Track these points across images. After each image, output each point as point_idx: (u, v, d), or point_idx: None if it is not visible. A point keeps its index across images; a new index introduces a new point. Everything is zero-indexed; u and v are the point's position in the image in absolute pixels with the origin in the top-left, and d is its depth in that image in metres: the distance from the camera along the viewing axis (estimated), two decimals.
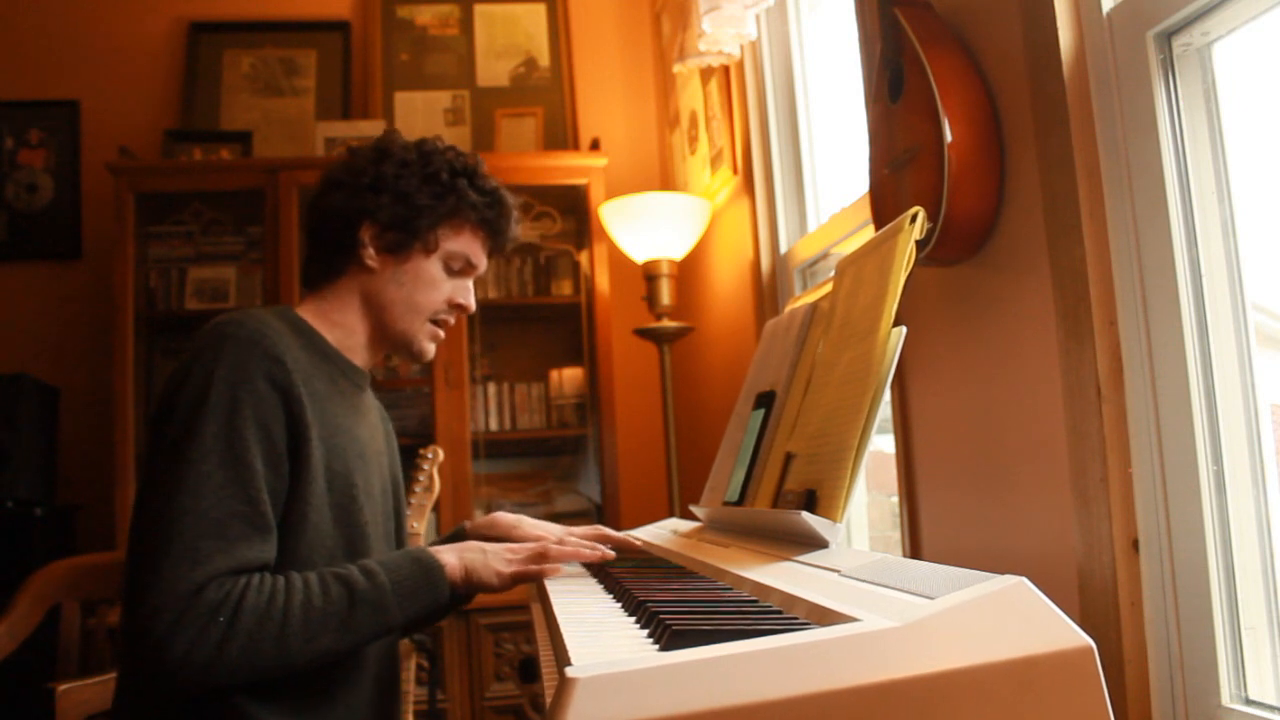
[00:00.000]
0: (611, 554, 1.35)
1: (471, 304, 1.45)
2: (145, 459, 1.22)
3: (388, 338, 1.41)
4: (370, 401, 1.47)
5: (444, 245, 1.40)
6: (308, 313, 1.38)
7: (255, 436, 1.17)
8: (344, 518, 1.29)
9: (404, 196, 1.37)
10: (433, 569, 1.24)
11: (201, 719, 1.19)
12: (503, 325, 3.36)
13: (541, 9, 3.62)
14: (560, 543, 1.34)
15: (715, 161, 2.82)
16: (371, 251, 1.37)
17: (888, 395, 0.99)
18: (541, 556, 1.29)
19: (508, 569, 1.28)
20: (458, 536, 1.52)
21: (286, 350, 1.24)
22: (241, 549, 1.13)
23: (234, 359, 1.19)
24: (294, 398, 1.22)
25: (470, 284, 1.46)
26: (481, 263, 1.45)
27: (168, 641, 1.07)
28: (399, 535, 1.50)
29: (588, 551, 1.32)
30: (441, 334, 1.45)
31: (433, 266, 1.40)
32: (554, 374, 3.26)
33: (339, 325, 1.39)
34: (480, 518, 1.54)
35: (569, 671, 0.57)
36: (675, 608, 0.84)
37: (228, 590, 1.10)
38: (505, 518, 1.51)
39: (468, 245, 1.42)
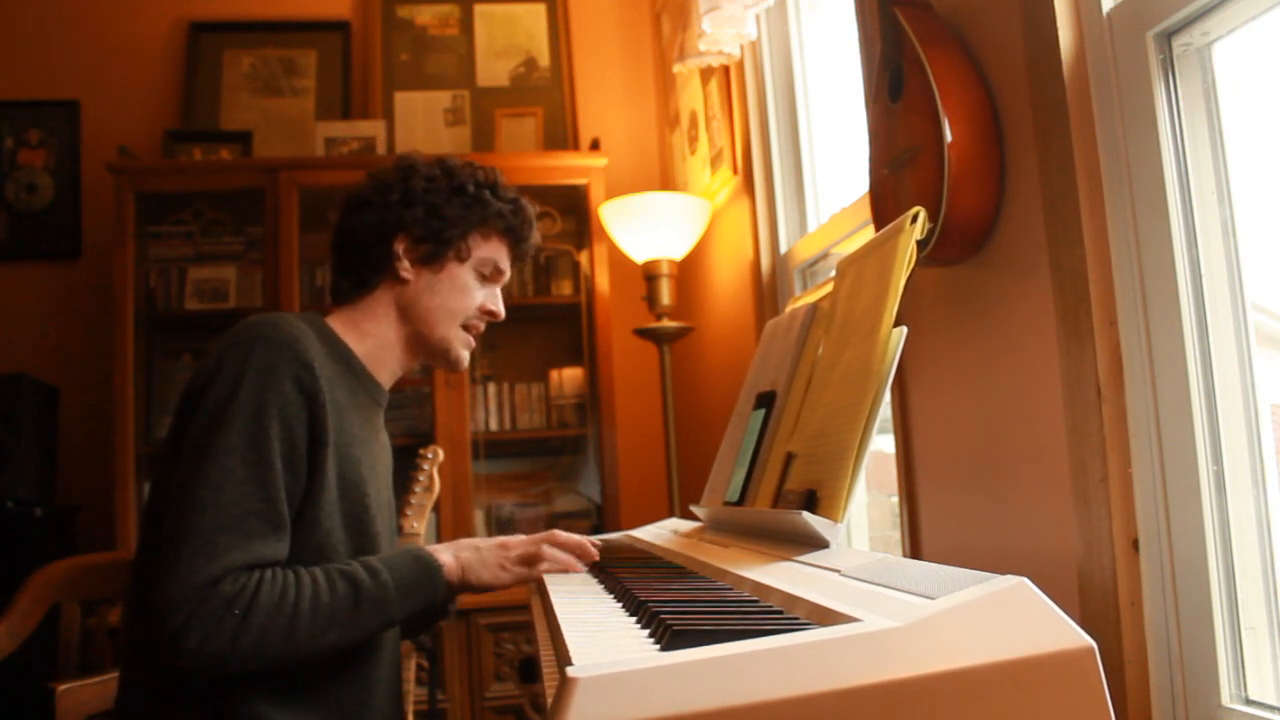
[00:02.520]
0: (594, 554, 1.40)
1: (501, 310, 1.50)
2: (167, 448, 1.24)
3: (425, 346, 1.45)
4: (381, 422, 1.50)
5: (475, 253, 1.45)
6: (337, 324, 1.41)
7: (279, 437, 1.20)
8: (356, 525, 1.31)
9: (435, 209, 1.42)
10: (432, 568, 1.28)
11: (205, 715, 1.20)
12: (503, 325, 3.30)
13: (541, 9, 3.62)
14: (551, 536, 1.39)
15: (715, 161, 2.82)
16: (406, 263, 1.41)
17: (888, 395, 0.99)
18: (535, 558, 1.35)
19: (506, 573, 1.34)
20: None
21: (315, 357, 1.26)
22: (257, 546, 1.16)
23: (265, 360, 1.22)
24: (319, 404, 1.24)
25: (499, 291, 1.51)
26: (508, 268, 1.51)
27: (183, 632, 1.09)
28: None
29: (578, 565, 1.36)
30: (473, 341, 1.49)
31: (465, 274, 1.45)
32: (554, 374, 3.26)
33: (370, 336, 1.42)
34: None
35: (570, 671, 0.57)
36: (676, 608, 0.84)
37: (243, 584, 1.13)
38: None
39: (496, 251, 1.48)
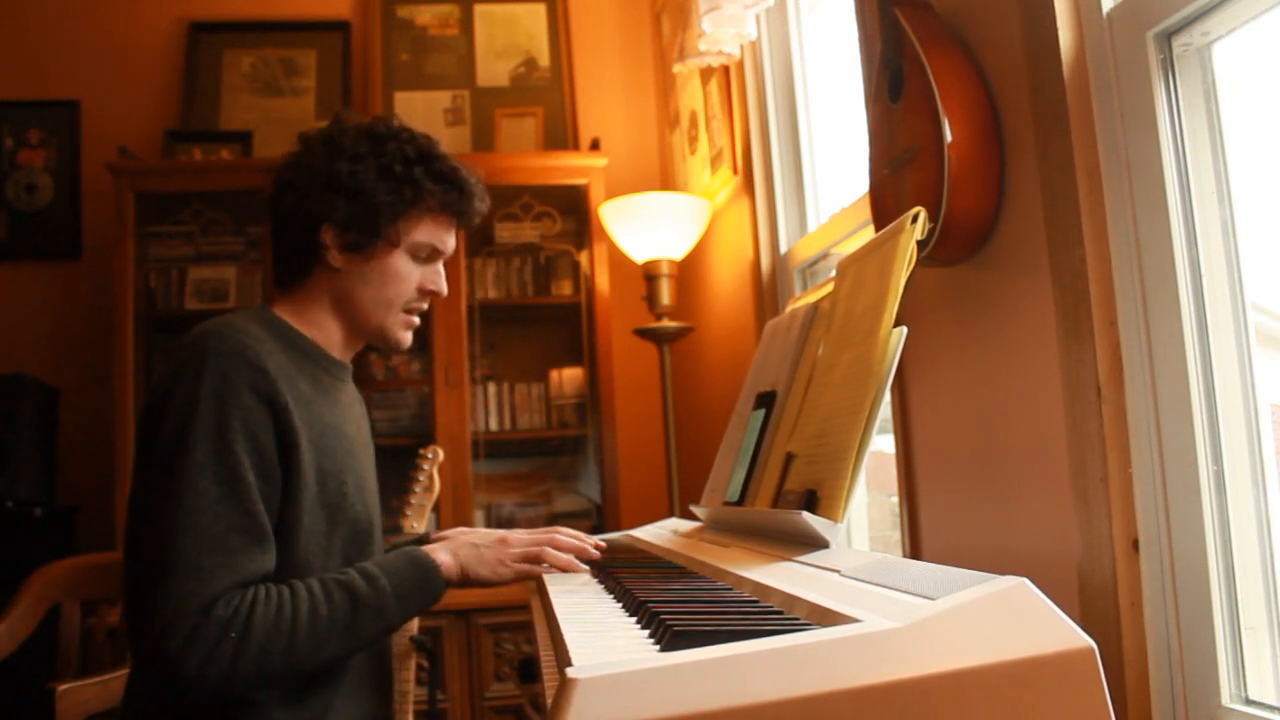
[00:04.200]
0: (601, 544, 1.38)
1: (443, 288, 1.43)
2: (135, 476, 1.22)
3: (363, 333, 1.41)
4: (351, 392, 1.48)
5: (407, 237, 1.37)
6: (285, 312, 1.38)
7: (245, 449, 1.18)
8: (335, 516, 1.30)
9: (360, 195, 1.33)
10: (430, 569, 1.27)
11: (196, 705, 1.20)
12: (503, 325, 3.36)
13: (541, 9, 3.62)
14: (552, 540, 1.37)
15: (715, 161, 2.82)
16: (335, 252, 1.36)
17: (888, 395, 0.99)
18: (536, 557, 1.33)
19: (506, 569, 1.32)
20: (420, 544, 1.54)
21: (269, 357, 1.24)
22: (244, 562, 1.15)
23: (218, 373, 1.19)
24: (280, 406, 1.22)
25: (440, 267, 1.44)
26: (449, 246, 1.43)
27: (181, 660, 1.08)
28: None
29: (579, 564, 1.34)
30: (416, 321, 1.44)
31: (399, 260, 1.38)
32: (554, 374, 3.26)
33: (313, 324, 1.39)
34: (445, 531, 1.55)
35: (570, 672, 0.57)
36: (676, 608, 0.84)
37: (236, 606, 1.12)
38: (455, 530, 1.52)
39: (431, 233, 1.40)
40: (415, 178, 1.36)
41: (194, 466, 1.15)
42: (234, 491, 1.16)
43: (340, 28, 3.54)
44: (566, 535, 1.39)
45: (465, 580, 1.31)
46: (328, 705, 1.29)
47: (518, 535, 1.37)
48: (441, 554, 1.29)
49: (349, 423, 1.40)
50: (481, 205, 1.45)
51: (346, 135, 1.37)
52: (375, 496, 1.46)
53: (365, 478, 1.41)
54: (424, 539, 1.55)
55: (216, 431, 1.17)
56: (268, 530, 1.19)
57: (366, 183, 1.34)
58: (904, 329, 1.00)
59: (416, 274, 1.40)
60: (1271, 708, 1.04)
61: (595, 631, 0.84)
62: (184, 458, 1.15)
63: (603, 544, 1.41)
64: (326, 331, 1.40)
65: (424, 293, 1.42)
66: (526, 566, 1.32)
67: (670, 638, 0.72)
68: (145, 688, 1.24)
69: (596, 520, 3.16)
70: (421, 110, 3.49)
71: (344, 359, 1.43)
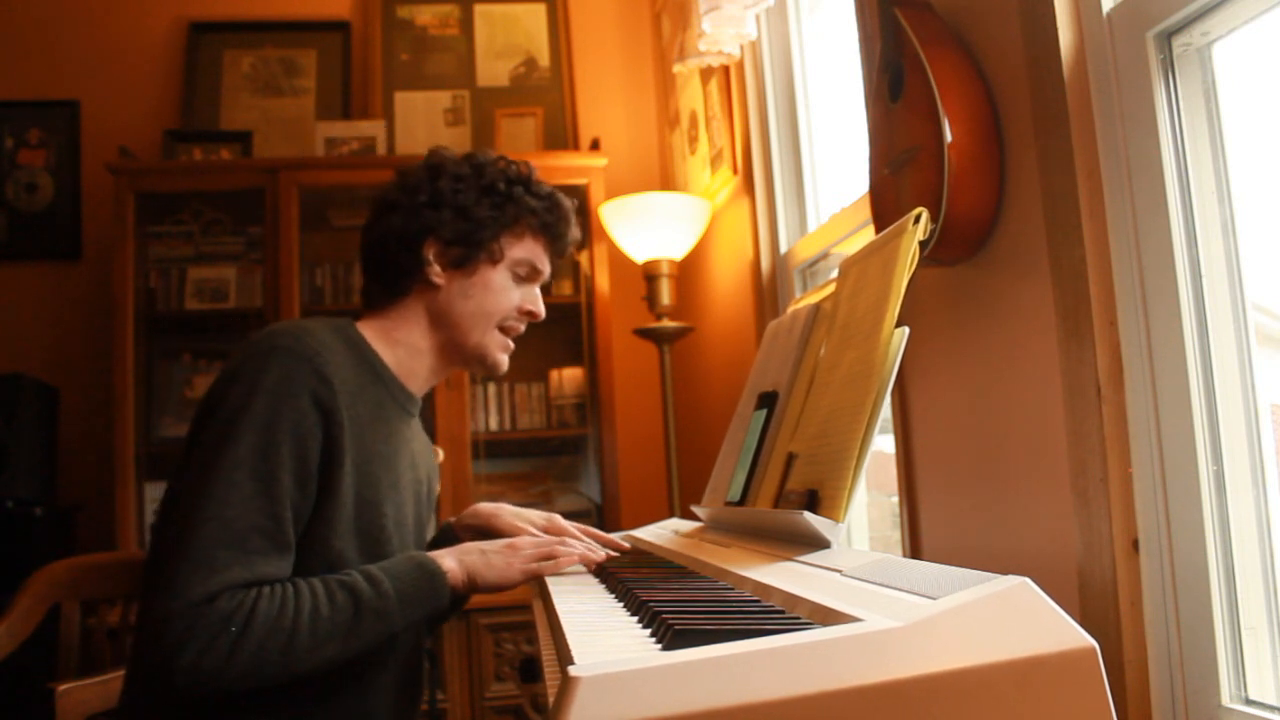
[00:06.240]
0: (613, 553, 1.37)
1: (541, 310, 1.46)
2: (180, 457, 1.21)
3: (460, 353, 1.41)
4: (417, 429, 1.46)
5: (509, 253, 1.41)
6: (369, 331, 1.37)
7: (289, 453, 1.17)
8: (369, 547, 1.28)
9: (464, 210, 1.37)
10: (435, 575, 1.25)
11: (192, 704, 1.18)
12: None
13: (541, 9, 3.62)
14: (562, 540, 1.36)
15: (715, 161, 2.82)
16: (437, 268, 1.38)
17: (889, 395, 0.99)
18: (549, 555, 1.31)
19: (513, 572, 1.29)
20: (445, 534, 1.53)
21: (336, 371, 1.23)
22: (258, 563, 1.13)
23: (282, 373, 1.18)
24: (335, 421, 1.21)
25: (538, 291, 1.47)
26: (546, 268, 1.47)
27: (178, 649, 1.07)
28: None
29: (593, 555, 1.33)
30: (511, 344, 1.45)
31: (500, 276, 1.41)
32: (554, 374, 3.26)
33: (402, 344, 1.38)
34: (465, 511, 1.55)
35: (572, 670, 0.57)
36: (677, 607, 0.84)
37: (240, 600, 1.11)
38: (484, 508, 1.52)
39: (531, 251, 1.43)
40: (516, 196, 1.40)
41: (234, 458, 1.14)
42: (268, 491, 1.14)
43: (340, 28, 3.54)
44: (574, 533, 1.38)
45: (472, 586, 1.28)
46: None
47: (524, 539, 1.35)
48: (447, 560, 1.27)
49: (402, 457, 1.37)
50: (576, 232, 1.49)
51: (447, 161, 1.42)
52: (417, 537, 1.44)
53: (407, 515, 1.38)
54: (447, 529, 1.54)
55: (265, 429, 1.16)
56: (290, 540, 1.17)
57: (469, 199, 1.38)
58: (906, 330, 1.00)
59: (516, 293, 1.43)
60: (1271, 708, 1.04)
61: (597, 631, 0.84)
62: (227, 448, 1.14)
63: (614, 552, 1.39)
64: (415, 354, 1.39)
65: (523, 313, 1.44)
66: (536, 566, 1.30)
67: (672, 637, 0.72)
68: (142, 682, 1.24)
69: (597, 520, 3.16)
70: (422, 110, 3.49)
71: (418, 392, 1.42)
